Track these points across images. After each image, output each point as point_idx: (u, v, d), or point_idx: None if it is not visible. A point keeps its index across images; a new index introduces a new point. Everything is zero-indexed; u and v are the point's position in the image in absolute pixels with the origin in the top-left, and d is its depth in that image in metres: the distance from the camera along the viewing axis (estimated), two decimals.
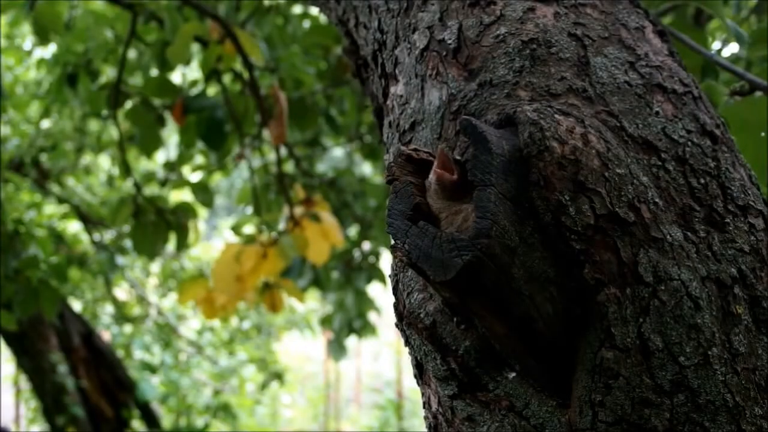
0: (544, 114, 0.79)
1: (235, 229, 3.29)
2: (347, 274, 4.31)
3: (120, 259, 5.23)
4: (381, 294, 4.98)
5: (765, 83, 1.28)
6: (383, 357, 10.38)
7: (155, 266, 6.87)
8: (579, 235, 0.77)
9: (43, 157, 4.77)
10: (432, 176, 0.81)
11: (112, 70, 3.73)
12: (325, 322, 4.68)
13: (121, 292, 7.18)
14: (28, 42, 4.79)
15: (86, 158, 5.33)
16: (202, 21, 2.94)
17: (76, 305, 6.39)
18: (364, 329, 4.50)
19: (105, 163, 5.72)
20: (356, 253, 4.33)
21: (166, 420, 6.65)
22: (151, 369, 6.63)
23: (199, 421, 6.87)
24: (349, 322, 4.44)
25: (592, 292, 0.77)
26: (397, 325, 0.88)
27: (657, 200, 0.80)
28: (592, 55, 0.90)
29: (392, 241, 0.79)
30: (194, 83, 3.37)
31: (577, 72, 0.89)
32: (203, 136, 3.13)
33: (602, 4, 0.96)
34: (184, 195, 4.51)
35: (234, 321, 7.53)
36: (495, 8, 0.95)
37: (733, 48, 1.80)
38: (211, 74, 3.11)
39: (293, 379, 9.46)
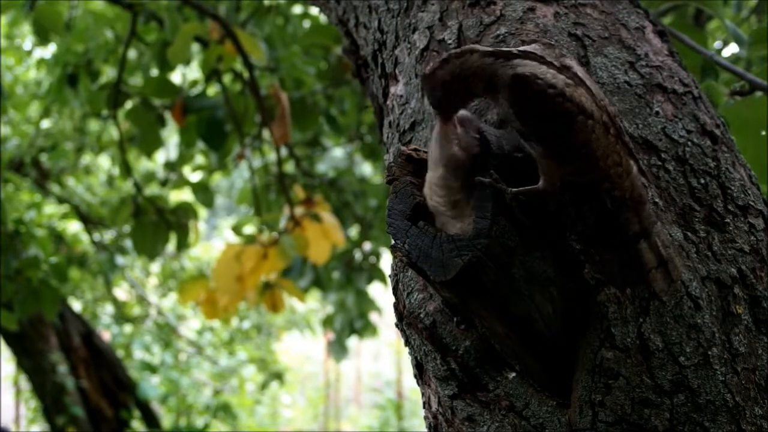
0: None
1: (236, 229, 3.29)
2: (348, 275, 4.30)
3: (120, 259, 5.22)
4: (382, 294, 4.98)
5: (765, 83, 1.27)
6: (383, 357, 10.37)
7: (155, 266, 6.86)
8: (579, 235, 0.77)
9: (43, 157, 4.76)
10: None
11: (112, 70, 3.72)
12: (327, 322, 4.68)
13: (121, 292, 7.18)
14: (28, 42, 4.78)
15: (86, 158, 5.32)
16: (202, 21, 2.94)
17: (76, 305, 6.39)
18: (365, 329, 4.50)
19: (105, 163, 5.72)
20: (357, 254, 4.33)
21: (166, 420, 6.64)
22: (151, 369, 6.62)
23: (199, 421, 6.86)
24: (350, 323, 4.43)
25: (592, 292, 0.77)
26: (397, 325, 0.88)
27: (657, 200, 0.80)
28: (592, 55, 0.90)
29: (392, 241, 0.79)
30: (194, 83, 3.37)
31: None
32: (203, 136, 3.14)
33: (602, 4, 0.96)
34: (184, 195, 4.51)
35: (234, 321, 7.52)
36: (495, 8, 0.95)
37: (733, 48, 1.80)
38: (211, 74, 3.11)
39: (293, 379, 9.45)
